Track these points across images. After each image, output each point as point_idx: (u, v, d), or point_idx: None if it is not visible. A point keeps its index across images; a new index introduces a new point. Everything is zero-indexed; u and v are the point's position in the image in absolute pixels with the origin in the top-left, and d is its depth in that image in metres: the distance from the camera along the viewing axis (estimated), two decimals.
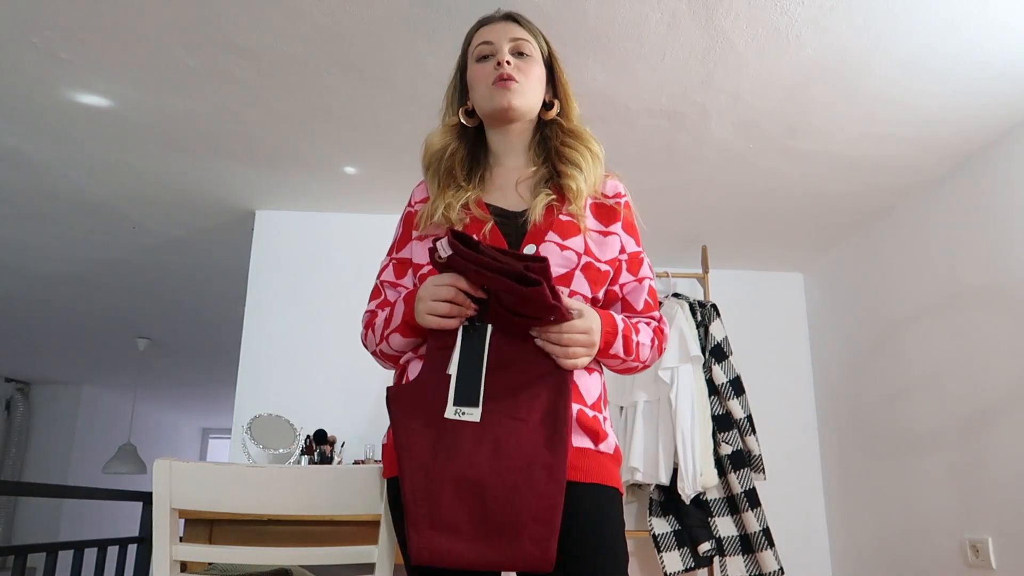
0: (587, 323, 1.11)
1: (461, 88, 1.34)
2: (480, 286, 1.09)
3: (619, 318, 1.20)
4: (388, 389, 1.09)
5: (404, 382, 1.20)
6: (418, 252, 1.25)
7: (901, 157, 2.72)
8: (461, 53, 1.35)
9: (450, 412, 1.04)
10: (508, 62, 1.25)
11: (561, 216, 1.20)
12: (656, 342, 1.25)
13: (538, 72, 1.29)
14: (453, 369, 1.06)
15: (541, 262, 1.05)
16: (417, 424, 1.05)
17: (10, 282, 4.14)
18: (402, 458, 1.03)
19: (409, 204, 1.34)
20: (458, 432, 1.04)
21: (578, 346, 1.10)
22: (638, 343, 1.21)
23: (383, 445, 1.21)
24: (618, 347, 1.17)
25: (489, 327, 1.09)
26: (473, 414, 1.04)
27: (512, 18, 1.32)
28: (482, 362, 1.07)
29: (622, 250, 1.26)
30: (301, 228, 3.29)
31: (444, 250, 1.07)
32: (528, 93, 1.27)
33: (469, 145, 1.32)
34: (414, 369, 1.19)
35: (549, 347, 1.09)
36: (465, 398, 1.05)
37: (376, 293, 1.32)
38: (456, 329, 1.09)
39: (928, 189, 2.93)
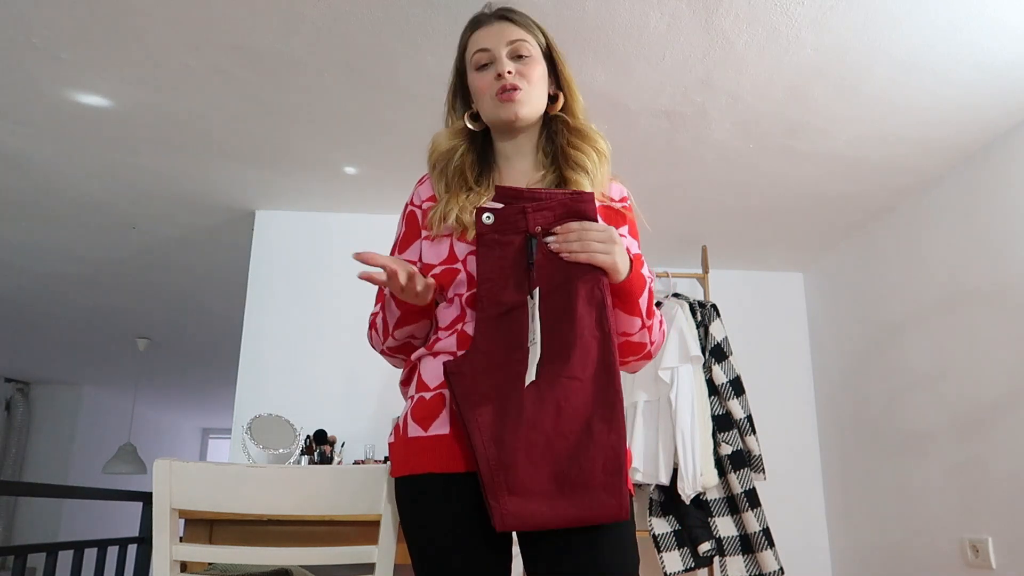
0: (605, 226, 1.14)
1: (462, 93, 1.33)
2: (530, 231, 1.13)
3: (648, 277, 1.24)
4: (446, 364, 1.10)
5: (442, 358, 1.20)
6: (429, 252, 1.24)
7: (901, 157, 2.72)
8: (458, 55, 1.33)
9: (532, 375, 1.06)
10: (509, 72, 1.23)
11: None
12: (661, 328, 1.28)
13: (540, 72, 1.27)
14: (534, 336, 1.08)
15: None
16: (481, 397, 1.08)
17: (10, 282, 4.14)
18: (472, 431, 1.05)
19: (411, 202, 1.32)
20: (520, 398, 1.07)
21: (593, 240, 1.12)
22: (655, 313, 1.24)
23: (390, 443, 1.20)
24: (644, 300, 1.20)
25: (537, 292, 1.11)
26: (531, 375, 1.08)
27: (505, 17, 1.28)
28: (537, 332, 1.09)
29: (627, 252, 1.26)
30: (301, 228, 3.29)
31: (488, 218, 1.14)
32: (533, 99, 1.25)
33: (477, 147, 1.31)
34: (425, 366, 1.19)
35: (564, 244, 1.12)
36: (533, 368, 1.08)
37: (380, 295, 1.32)
38: (523, 300, 1.11)
39: (928, 189, 2.93)
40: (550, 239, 1.13)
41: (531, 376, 1.06)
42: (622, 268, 1.14)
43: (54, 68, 2.21)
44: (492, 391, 1.08)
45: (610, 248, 1.12)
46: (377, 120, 2.51)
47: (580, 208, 1.15)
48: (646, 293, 1.20)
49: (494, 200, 1.16)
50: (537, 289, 1.10)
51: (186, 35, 2.07)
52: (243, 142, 2.67)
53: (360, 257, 1.04)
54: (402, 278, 1.09)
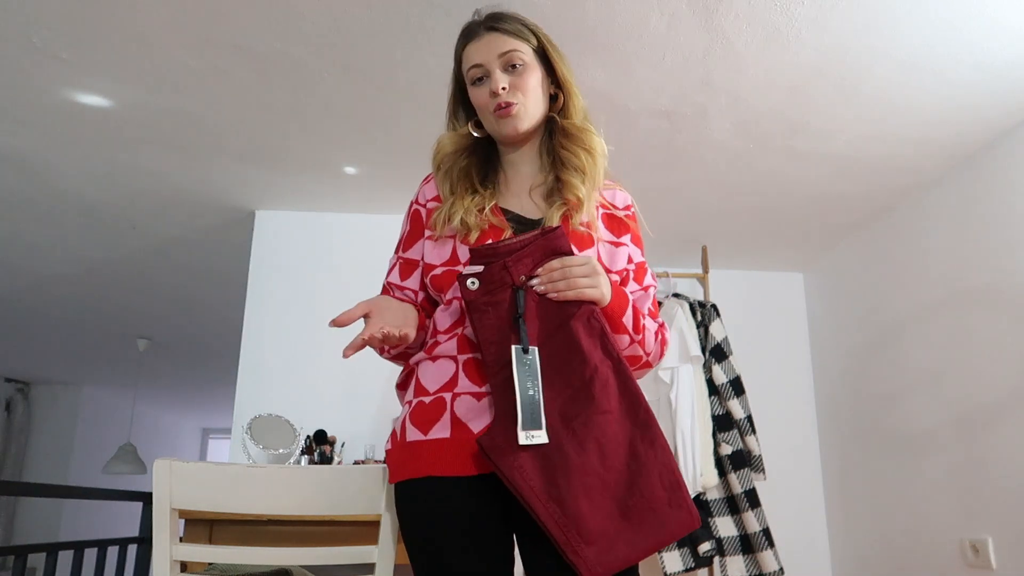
0: (586, 259, 1.14)
1: (464, 102, 1.33)
2: (515, 283, 1.12)
3: (629, 293, 1.22)
4: (481, 441, 1.06)
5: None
6: (431, 253, 1.25)
7: (901, 157, 2.72)
8: (454, 66, 1.32)
9: (523, 438, 1.04)
10: (503, 88, 1.23)
11: (578, 228, 1.22)
12: (660, 337, 1.27)
13: (535, 79, 1.26)
14: (518, 395, 1.06)
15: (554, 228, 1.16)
16: (523, 461, 1.05)
17: (10, 282, 4.14)
18: (528, 498, 1.03)
19: (416, 201, 1.32)
20: (561, 449, 1.05)
21: (578, 277, 1.11)
22: (644, 326, 1.22)
23: (387, 450, 1.20)
24: (628, 318, 1.19)
25: (535, 350, 1.09)
26: (541, 436, 1.05)
27: (494, 28, 1.27)
28: (539, 384, 1.07)
29: (629, 260, 1.28)
30: (301, 228, 3.29)
31: (472, 284, 1.12)
32: (531, 109, 1.25)
33: (482, 152, 1.32)
34: (424, 370, 1.19)
35: (551, 285, 1.12)
36: (531, 422, 1.05)
37: (384, 292, 1.32)
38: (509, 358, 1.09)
39: (928, 189, 2.93)
40: (534, 282, 1.13)
41: (522, 438, 1.03)
42: (608, 294, 1.14)
43: (54, 68, 2.21)
44: (532, 451, 1.05)
45: (595, 280, 1.12)
46: (377, 120, 2.51)
47: (555, 245, 1.14)
48: (629, 310, 1.19)
49: (471, 263, 1.15)
50: (514, 347, 1.08)
51: (186, 35, 2.07)
52: (243, 142, 2.67)
53: (336, 323, 1.06)
54: (375, 339, 1.10)
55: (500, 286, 1.12)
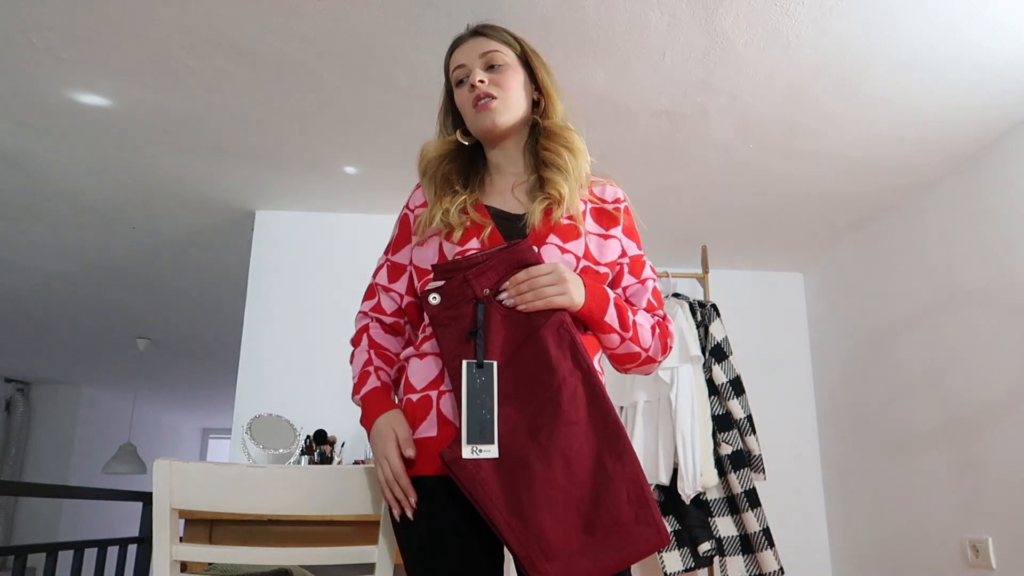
0: (551, 266, 1.14)
1: (453, 111, 1.35)
2: (477, 296, 1.12)
3: (611, 291, 1.22)
4: (443, 454, 1.06)
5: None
6: (419, 257, 1.27)
7: (901, 157, 2.72)
8: (445, 75, 1.36)
9: (467, 452, 1.04)
10: (482, 81, 1.25)
11: (562, 220, 1.22)
12: (658, 331, 1.25)
13: (516, 79, 1.29)
14: (463, 410, 1.07)
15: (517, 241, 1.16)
16: (487, 473, 1.04)
17: (10, 282, 4.14)
18: (489, 510, 1.03)
19: (407, 206, 1.35)
20: (526, 462, 1.05)
21: (544, 286, 1.12)
22: (635, 322, 1.21)
23: None
24: (612, 317, 1.18)
25: (495, 364, 1.09)
26: (490, 451, 1.05)
27: (479, 32, 1.32)
28: (493, 398, 1.07)
29: (623, 254, 1.27)
30: (301, 228, 3.29)
31: (434, 299, 1.14)
32: (510, 105, 1.27)
33: (465, 157, 1.33)
34: (413, 367, 1.20)
35: (518, 298, 1.12)
36: (479, 436, 1.05)
37: (370, 293, 1.34)
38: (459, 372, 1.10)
39: (928, 189, 2.93)
40: (502, 296, 1.13)
41: (466, 452, 1.04)
42: (578, 298, 1.14)
43: (54, 68, 2.21)
44: (496, 463, 1.05)
45: (563, 287, 1.13)
46: (377, 120, 2.51)
47: (521, 257, 1.14)
48: (611, 308, 1.18)
49: (434, 279, 1.17)
50: (465, 362, 1.09)
51: (186, 35, 2.07)
52: (243, 142, 2.67)
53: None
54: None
55: (461, 300, 1.13)
